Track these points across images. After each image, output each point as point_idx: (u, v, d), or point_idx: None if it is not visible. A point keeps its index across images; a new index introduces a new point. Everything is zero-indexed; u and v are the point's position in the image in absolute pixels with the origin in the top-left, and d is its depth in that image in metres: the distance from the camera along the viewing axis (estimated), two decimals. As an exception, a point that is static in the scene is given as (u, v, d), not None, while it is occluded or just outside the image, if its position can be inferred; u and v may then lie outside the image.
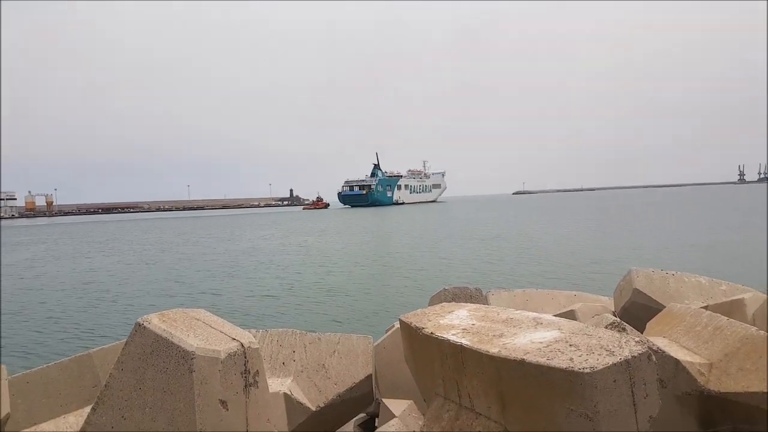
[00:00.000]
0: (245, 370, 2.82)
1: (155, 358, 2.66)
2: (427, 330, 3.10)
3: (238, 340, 2.87)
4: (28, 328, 15.96)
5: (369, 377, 4.35)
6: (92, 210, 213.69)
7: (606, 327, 3.64)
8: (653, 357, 2.39)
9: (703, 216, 53.82)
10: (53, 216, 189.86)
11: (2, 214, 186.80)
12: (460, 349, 2.74)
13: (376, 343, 4.97)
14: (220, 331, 2.96)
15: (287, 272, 25.39)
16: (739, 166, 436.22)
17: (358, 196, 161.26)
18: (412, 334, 3.30)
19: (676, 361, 3.46)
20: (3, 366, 3.67)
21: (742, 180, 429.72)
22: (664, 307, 4.66)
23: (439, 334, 2.99)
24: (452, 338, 2.86)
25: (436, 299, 6.31)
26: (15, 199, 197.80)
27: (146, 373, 2.67)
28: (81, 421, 3.70)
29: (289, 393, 3.89)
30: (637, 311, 5.26)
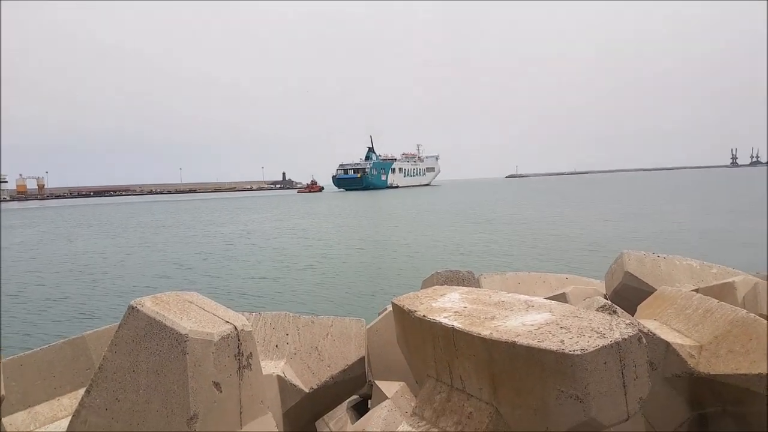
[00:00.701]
0: (238, 352, 2.83)
1: (148, 340, 2.66)
2: (419, 313, 3.11)
3: (231, 323, 2.88)
4: (25, 311, 16.00)
5: (362, 359, 4.38)
6: (83, 193, 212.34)
7: (597, 310, 3.67)
8: (643, 339, 2.42)
9: (697, 199, 54.13)
10: (44, 199, 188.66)
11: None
12: (452, 331, 2.76)
13: (369, 326, 5.00)
14: (213, 314, 2.97)
15: (281, 255, 25.42)
16: (732, 150, 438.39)
17: (352, 180, 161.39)
18: (404, 317, 3.32)
19: (667, 344, 3.50)
20: (-3, 349, 3.67)
21: (734, 163, 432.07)
22: (655, 290, 4.69)
23: (431, 316, 3.00)
24: (444, 321, 2.87)
25: (428, 282, 6.33)
26: (6, 182, 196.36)
27: (140, 355, 2.67)
28: (75, 403, 3.72)
29: (282, 375, 3.92)
30: (628, 294, 5.30)
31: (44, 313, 15.63)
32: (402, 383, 4.43)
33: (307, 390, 4.05)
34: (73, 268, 24.33)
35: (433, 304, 3.25)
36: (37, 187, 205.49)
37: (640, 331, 2.44)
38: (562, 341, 2.31)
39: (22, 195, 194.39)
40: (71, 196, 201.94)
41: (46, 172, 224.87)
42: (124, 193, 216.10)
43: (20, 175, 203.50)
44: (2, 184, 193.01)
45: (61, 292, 18.70)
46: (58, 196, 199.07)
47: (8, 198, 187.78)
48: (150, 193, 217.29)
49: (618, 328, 2.43)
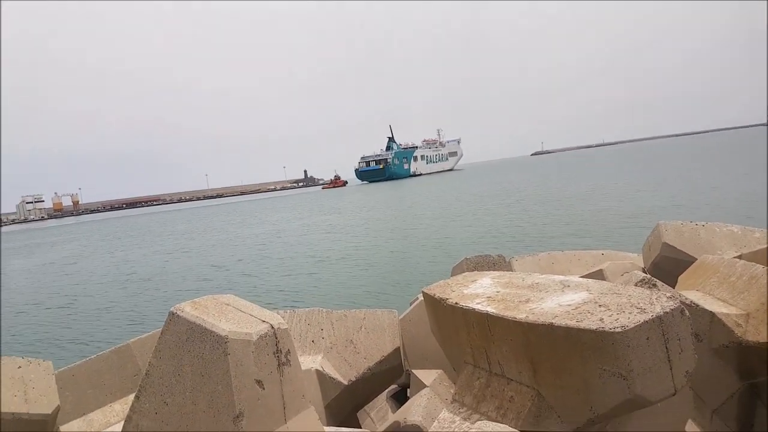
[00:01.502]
0: (277, 350, 2.86)
1: (191, 344, 2.71)
2: (451, 300, 3.09)
3: (267, 322, 2.91)
4: (75, 321, 16.61)
5: (397, 350, 4.40)
6: (117, 206, 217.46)
7: (636, 285, 3.59)
8: (686, 312, 2.36)
9: (731, 162, 52.58)
10: (80, 215, 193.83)
11: (32, 217, 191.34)
12: (486, 317, 2.73)
13: (401, 317, 5.00)
14: (250, 315, 3.01)
15: (311, 251, 25.65)
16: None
17: (375, 171, 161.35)
18: (436, 306, 3.30)
19: (711, 314, 3.41)
20: (49, 362, 3.80)
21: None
22: (696, 259, 4.57)
23: (463, 303, 2.98)
24: (477, 307, 2.85)
25: (457, 269, 6.28)
26: (43, 201, 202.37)
27: (183, 359, 2.73)
28: (126, 408, 3.83)
29: (321, 369, 3.96)
30: (667, 266, 5.17)
31: (94, 322, 16.18)
32: (439, 371, 4.42)
33: (346, 382, 4.09)
34: (116, 277, 25.04)
35: (465, 291, 3.23)
36: (72, 203, 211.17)
37: (682, 303, 2.39)
38: (601, 319, 2.27)
39: (58, 212, 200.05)
40: (105, 210, 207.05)
41: (80, 189, 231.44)
42: (155, 202, 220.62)
43: (55, 193, 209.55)
44: (38, 203, 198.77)
45: (108, 301, 19.30)
46: (92, 211, 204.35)
47: (46, 216, 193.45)
48: (180, 201, 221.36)
49: (659, 302, 2.37)
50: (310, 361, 4.07)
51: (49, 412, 3.75)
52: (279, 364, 2.84)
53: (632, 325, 2.19)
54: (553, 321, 2.35)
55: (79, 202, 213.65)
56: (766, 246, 4.81)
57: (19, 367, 3.54)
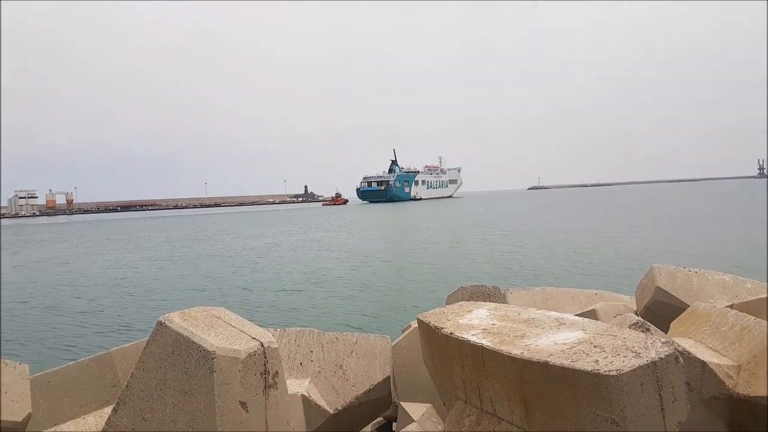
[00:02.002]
0: (265, 370, 2.81)
1: (176, 357, 2.65)
2: (446, 330, 3.05)
3: (258, 340, 2.86)
4: (61, 323, 16.30)
5: (387, 379, 4.32)
6: (111, 208, 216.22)
7: (629, 327, 3.57)
8: (680, 359, 2.33)
9: (725, 211, 52.94)
10: (73, 214, 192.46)
11: (24, 212, 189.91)
12: (481, 350, 2.69)
13: (393, 343, 4.93)
14: (240, 330, 2.96)
15: (306, 269, 25.48)
16: (759, 160, 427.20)
17: (376, 192, 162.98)
18: (430, 334, 3.26)
19: (703, 363, 3.38)
20: (26, 365, 3.71)
21: (762, 174, 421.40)
22: (688, 306, 4.55)
23: (458, 334, 2.94)
24: (473, 339, 2.81)
25: (453, 298, 6.25)
26: (36, 197, 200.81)
27: (167, 373, 2.67)
28: (100, 421, 3.73)
29: (307, 395, 3.88)
30: (660, 310, 5.15)
31: (79, 326, 15.88)
32: (428, 405, 4.34)
33: (331, 411, 4.00)
34: (106, 281, 24.76)
35: (461, 321, 3.19)
36: (66, 201, 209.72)
37: (676, 350, 2.36)
38: (596, 361, 2.24)
39: (51, 210, 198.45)
40: (98, 211, 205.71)
41: (75, 188, 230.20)
42: (150, 207, 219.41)
43: (50, 190, 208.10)
44: (31, 199, 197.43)
45: (95, 305, 19.02)
46: (85, 211, 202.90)
47: (37, 213, 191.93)
48: (176, 207, 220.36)
49: (654, 346, 2.35)
50: (296, 385, 3.99)
51: (20, 420, 3.64)
52: (265, 386, 2.79)
53: (627, 369, 2.16)
54: (549, 359, 2.32)
55: (74, 201, 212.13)
56: (757, 297, 4.80)
57: (-6, 368, 3.45)
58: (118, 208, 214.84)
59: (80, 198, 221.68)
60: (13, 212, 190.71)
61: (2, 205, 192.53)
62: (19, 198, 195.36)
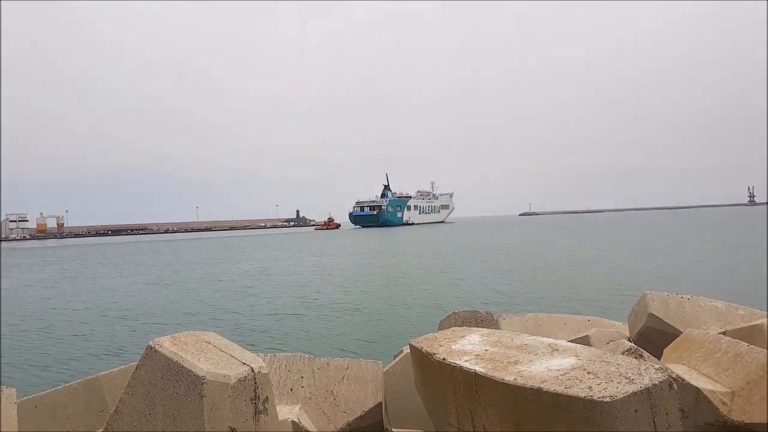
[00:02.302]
0: (255, 396, 2.77)
1: (166, 382, 2.62)
2: (439, 356, 3.04)
3: (248, 365, 2.83)
4: (51, 347, 16.06)
5: (379, 405, 4.27)
6: (102, 231, 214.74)
7: (622, 353, 3.56)
8: (674, 385, 2.33)
9: (716, 238, 53.31)
10: (63, 237, 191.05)
11: (14, 236, 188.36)
12: (474, 376, 2.68)
13: (385, 369, 4.89)
14: (231, 355, 2.93)
15: (297, 293, 25.32)
16: (749, 188, 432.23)
17: (369, 217, 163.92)
18: (423, 360, 3.24)
19: (697, 390, 3.37)
20: (13, 389, 3.64)
21: (752, 202, 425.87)
22: (681, 332, 4.56)
23: (451, 360, 2.92)
24: (465, 365, 2.79)
25: (445, 323, 6.21)
26: (27, 221, 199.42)
27: (156, 398, 2.63)
28: (88, 447, 3.65)
29: (297, 421, 3.82)
30: (652, 337, 5.15)
31: (68, 350, 15.65)
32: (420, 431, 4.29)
33: (322, 437, 3.94)
34: (96, 304, 24.48)
35: (453, 347, 3.17)
36: (57, 225, 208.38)
37: (669, 376, 2.36)
38: (590, 387, 2.23)
39: (41, 233, 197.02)
40: (89, 235, 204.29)
41: (66, 211, 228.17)
42: (141, 231, 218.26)
43: (41, 214, 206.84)
44: (22, 223, 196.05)
45: (85, 329, 18.76)
46: (76, 235, 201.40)
47: (28, 236, 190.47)
48: (167, 231, 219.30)
49: (647, 373, 2.35)
50: (286, 411, 3.93)
51: (6, 444, 3.56)
52: (256, 412, 2.75)
53: (621, 396, 2.15)
54: (542, 386, 2.31)
55: (65, 225, 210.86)
56: (750, 324, 4.81)
57: (-20, 392, 3.39)
58: (109, 232, 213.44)
59: (71, 222, 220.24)
60: (3, 236, 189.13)
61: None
62: (10, 221, 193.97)
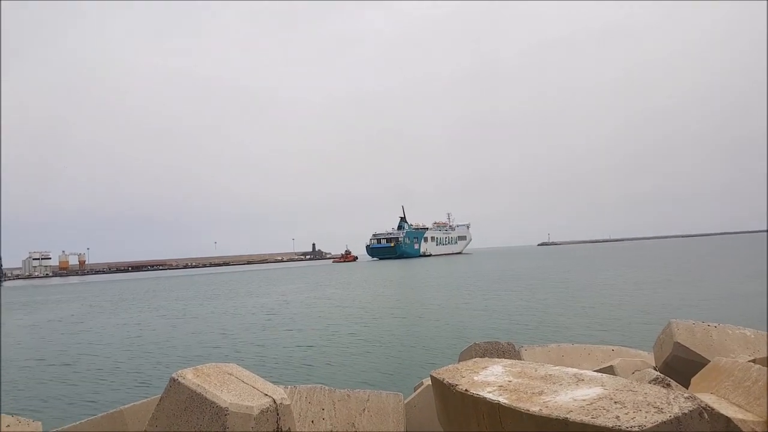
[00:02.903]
0: (277, 428, 2.76)
1: (189, 414, 2.63)
2: (461, 387, 3.01)
3: (270, 396, 2.83)
4: (78, 380, 16.22)
5: (401, 437, 4.22)
6: (122, 268, 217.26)
7: (649, 383, 3.49)
8: (705, 414, 2.28)
9: (741, 264, 52.28)
10: (85, 274, 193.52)
11: (36, 273, 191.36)
12: (498, 407, 2.65)
13: (406, 401, 4.84)
14: (253, 387, 2.93)
15: (317, 325, 25.27)
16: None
17: (386, 249, 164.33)
18: (445, 392, 3.21)
19: (728, 419, 3.28)
20: (39, 422, 3.67)
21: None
22: (708, 361, 4.47)
23: (474, 391, 2.89)
24: (489, 396, 2.76)
25: (466, 354, 6.16)
26: (50, 258, 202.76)
27: (180, 429, 2.63)
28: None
29: (320, 453, 3.79)
30: (679, 366, 5.04)
31: (94, 383, 15.80)
32: (444, 463, 4.21)
33: (345, 469, 3.89)
34: (121, 339, 24.73)
35: (475, 378, 3.14)
36: (78, 262, 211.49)
37: (699, 405, 2.31)
38: (617, 417, 2.20)
39: (64, 270, 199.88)
40: (110, 271, 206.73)
41: (88, 249, 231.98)
42: (161, 267, 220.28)
43: (63, 251, 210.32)
44: (44, 260, 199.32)
45: (110, 362, 18.93)
46: (97, 272, 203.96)
47: (50, 274, 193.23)
48: (186, 266, 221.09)
49: (677, 402, 2.30)
50: (308, 443, 3.90)
51: (33, 477, 3.58)
52: (278, 443, 2.74)
53: (650, 425, 2.11)
54: (568, 416, 2.27)
55: (86, 262, 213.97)
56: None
57: (8, 425, 3.42)
58: (130, 269, 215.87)
59: (92, 258, 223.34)
60: (27, 273, 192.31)
61: (9, 266, 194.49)
62: (33, 259, 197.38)
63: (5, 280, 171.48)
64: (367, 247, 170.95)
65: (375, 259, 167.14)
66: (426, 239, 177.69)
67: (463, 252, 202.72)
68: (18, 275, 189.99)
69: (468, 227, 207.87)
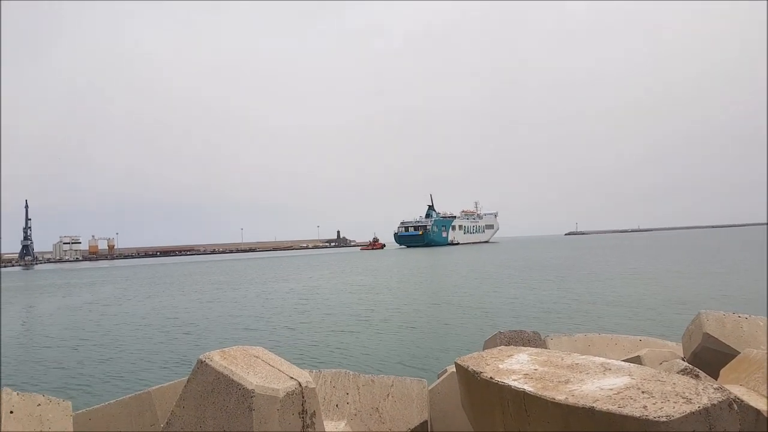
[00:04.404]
0: (303, 410, 2.80)
1: (216, 395, 2.68)
2: (486, 374, 3.00)
3: (296, 379, 2.86)
4: (106, 362, 16.66)
5: (424, 423, 4.24)
6: (151, 253, 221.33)
7: (678, 373, 3.43)
8: (734, 406, 2.23)
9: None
10: (114, 259, 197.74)
11: (67, 257, 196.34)
12: (523, 395, 2.63)
13: (430, 387, 4.85)
14: (279, 370, 2.97)
15: (343, 310, 25.50)
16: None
17: (414, 237, 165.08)
18: (469, 379, 3.20)
19: (757, 411, 3.22)
20: (69, 402, 3.78)
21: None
22: (738, 353, 4.38)
23: (499, 379, 2.88)
24: (514, 384, 2.75)
25: (490, 343, 6.13)
26: (80, 242, 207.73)
27: (207, 410, 2.68)
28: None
29: (344, 436, 3.83)
30: (708, 357, 4.95)
31: (125, 364, 16.19)
32: (468, 450, 4.22)
33: (368, 453, 3.93)
34: (153, 321, 25.32)
35: (500, 366, 3.13)
36: (107, 247, 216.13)
37: (729, 396, 2.26)
38: (644, 407, 2.16)
39: (93, 255, 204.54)
40: (139, 256, 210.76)
41: (117, 233, 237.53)
42: (189, 252, 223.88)
43: (93, 236, 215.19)
44: (75, 245, 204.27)
45: (142, 344, 19.38)
46: (126, 256, 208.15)
47: (80, 258, 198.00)
48: (213, 252, 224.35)
49: (706, 393, 2.26)
50: (332, 427, 3.94)
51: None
52: (303, 426, 2.77)
53: (678, 416, 2.07)
54: (594, 405, 2.25)
55: (115, 247, 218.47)
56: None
57: (39, 404, 3.52)
58: (158, 254, 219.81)
59: (121, 243, 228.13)
60: (57, 257, 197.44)
61: (41, 249, 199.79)
62: (63, 243, 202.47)
63: (36, 263, 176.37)
64: (395, 234, 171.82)
65: (403, 246, 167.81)
66: (454, 227, 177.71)
67: (490, 241, 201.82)
68: (49, 259, 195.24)
69: (495, 216, 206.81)
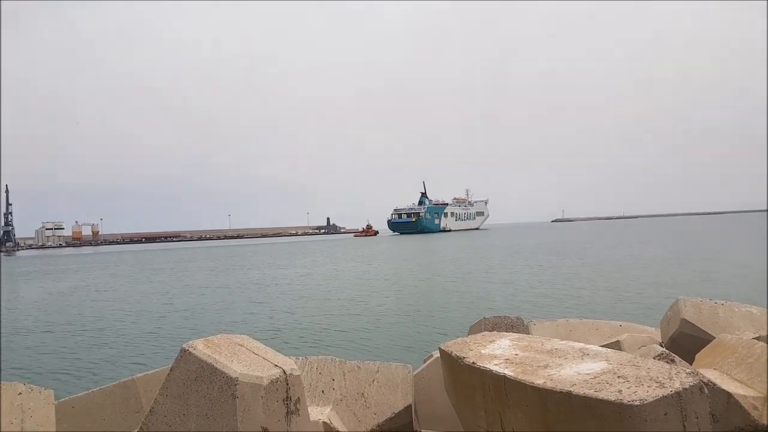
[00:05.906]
0: (287, 397, 2.83)
1: (199, 383, 2.70)
2: (468, 360, 3.06)
3: (280, 367, 2.90)
4: (88, 350, 16.51)
5: (409, 408, 4.30)
6: (136, 239, 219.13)
7: (654, 358, 3.52)
8: (705, 389, 2.31)
9: (749, 243, 51.76)
10: (98, 245, 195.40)
11: (50, 243, 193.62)
12: (504, 379, 2.69)
13: (415, 373, 4.92)
14: (263, 358, 2.99)
15: (329, 297, 25.56)
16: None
17: (407, 224, 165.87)
18: (452, 364, 3.26)
19: (728, 394, 3.32)
20: (51, 390, 3.77)
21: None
22: (714, 338, 4.49)
23: (480, 364, 2.94)
24: (495, 368, 2.81)
25: (475, 328, 6.21)
26: (63, 228, 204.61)
27: (190, 398, 2.71)
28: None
29: (328, 422, 3.88)
30: (685, 342, 5.07)
31: (107, 352, 16.04)
32: (450, 433, 4.30)
33: (353, 438, 3.99)
34: (135, 308, 25.13)
35: (483, 351, 3.19)
36: (91, 233, 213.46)
37: (701, 380, 2.34)
38: (619, 391, 2.23)
39: (77, 241, 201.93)
40: (124, 242, 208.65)
41: (101, 219, 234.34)
42: (175, 239, 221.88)
43: (76, 221, 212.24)
44: (58, 231, 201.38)
45: (125, 332, 19.17)
46: (111, 242, 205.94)
47: (64, 244, 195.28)
48: (200, 239, 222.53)
49: (678, 377, 2.33)
50: (318, 413, 3.99)
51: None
52: (287, 413, 2.81)
53: (651, 399, 2.15)
54: (571, 389, 2.32)
55: (99, 233, 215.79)
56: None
57: (20, 393, 3.51)
58: (143, 240, 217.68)
59: (105, 229, 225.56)
60: (40, 243, 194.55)
61: (23, 235, 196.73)
62: (46, 229, 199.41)
63: (18, 249, 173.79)
64: (389, 221, 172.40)
65: (396, 233, 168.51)
66: (446, 214, 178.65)
67: (481, 228, 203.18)
68: (31, 245, 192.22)
69: (486, 203, 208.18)
